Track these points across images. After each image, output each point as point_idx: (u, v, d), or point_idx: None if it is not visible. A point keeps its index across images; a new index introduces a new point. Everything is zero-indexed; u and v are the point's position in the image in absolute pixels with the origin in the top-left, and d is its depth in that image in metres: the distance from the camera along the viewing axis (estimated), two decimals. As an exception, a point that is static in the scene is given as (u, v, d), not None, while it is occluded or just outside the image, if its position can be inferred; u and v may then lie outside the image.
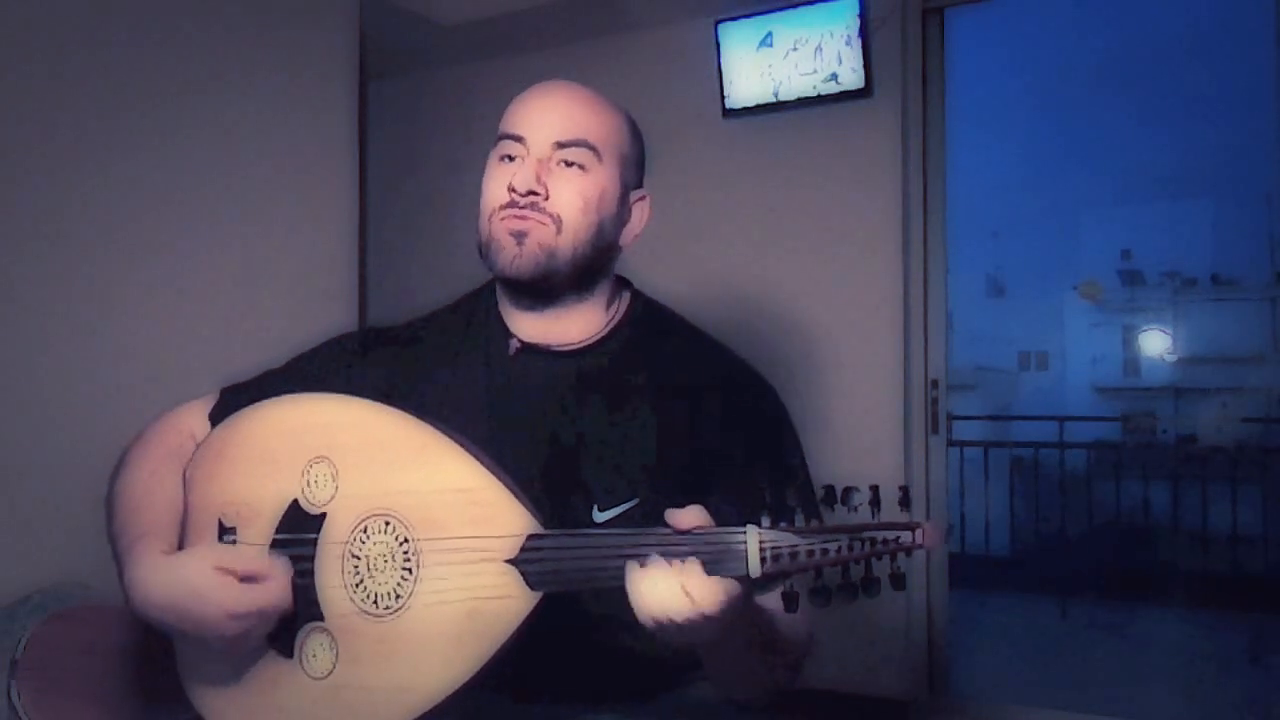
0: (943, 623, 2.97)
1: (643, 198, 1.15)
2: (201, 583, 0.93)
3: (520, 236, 1.05)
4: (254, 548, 0.99)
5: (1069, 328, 22.14)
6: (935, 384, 2.96)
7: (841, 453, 2.69)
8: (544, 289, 1.08)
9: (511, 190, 1.06)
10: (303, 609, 0.96)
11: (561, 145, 1.07)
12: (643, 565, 0.84)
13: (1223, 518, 5.04)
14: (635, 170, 1.15)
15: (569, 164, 1.07)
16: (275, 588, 0.95)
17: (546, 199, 1.06)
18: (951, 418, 3.09)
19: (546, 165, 1.06)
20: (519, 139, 1.08)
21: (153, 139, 2.32)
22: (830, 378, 2.97)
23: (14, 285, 2.07)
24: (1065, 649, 4.44)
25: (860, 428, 2.93)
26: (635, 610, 0.84)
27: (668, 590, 0.82)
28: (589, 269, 1.09)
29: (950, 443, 3.07)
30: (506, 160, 1.09)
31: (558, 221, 1.06)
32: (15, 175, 2.08)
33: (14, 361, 2.06)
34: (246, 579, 0.94)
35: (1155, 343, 21.00)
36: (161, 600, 0.95)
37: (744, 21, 3.04)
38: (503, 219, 1.06)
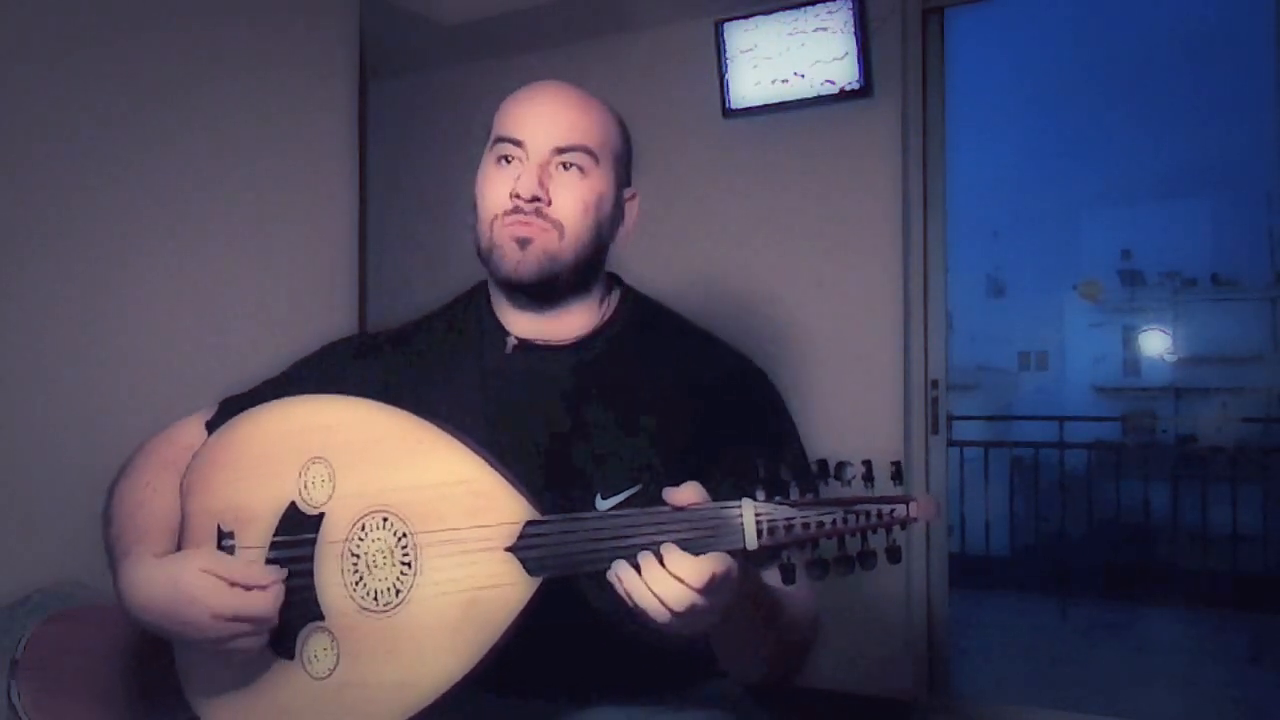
0: (943, 623, 2.97)
1: (633, 196, 1.17)
2: (190, 584, 0.94)
3: (524, 243, 1.06)
4: (247, 555, 0.99)
5: (1069, 328, 22.17)
6: (935, 384, 2.96)
7: (841, 453, 2.69)
8: (546, 292, 1.10)
9: (515, 196, 1.06)
10: (303, 609, 0.96)
11: (561, 150, 1.08)
12: (621, 574, 0.85)
13: (1223, 518, 5.04)
14: (626, 169, 1.16)
15: (567, 167, 1.08)
16: (266, 596, 0.95)
17: (549, 205, 1.06)
18: (951, 418, 3.09)
19: (546, 169, 1.07)
20: (518, 143, 1.08)
21: (152, 139, 2.32)
22: (830, 378, 2.97)
23: (14, 285, 2.07)
24: (1065, 649, 4.44)
25: (860, 428, 2.93)
26: (637, 611, 0.85)
27: (657, 583, 0.83)
28: (587, 269, 1.11)
29: (950, 443, 3.07)
30: (504, 163, 1.09)
31: (560, 228, 1.07)
32: (15, 176, 2.08)
33: (14, 362, 2.06)
34: (237, 585, 0.94)
35: (1155, 343, 21.02)
36: (151, 601, 0.96)
37: (744, 21, 3.04)
38: (507, 225, 1.07)
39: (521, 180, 1.06)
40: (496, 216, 1.08)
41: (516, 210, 1.06)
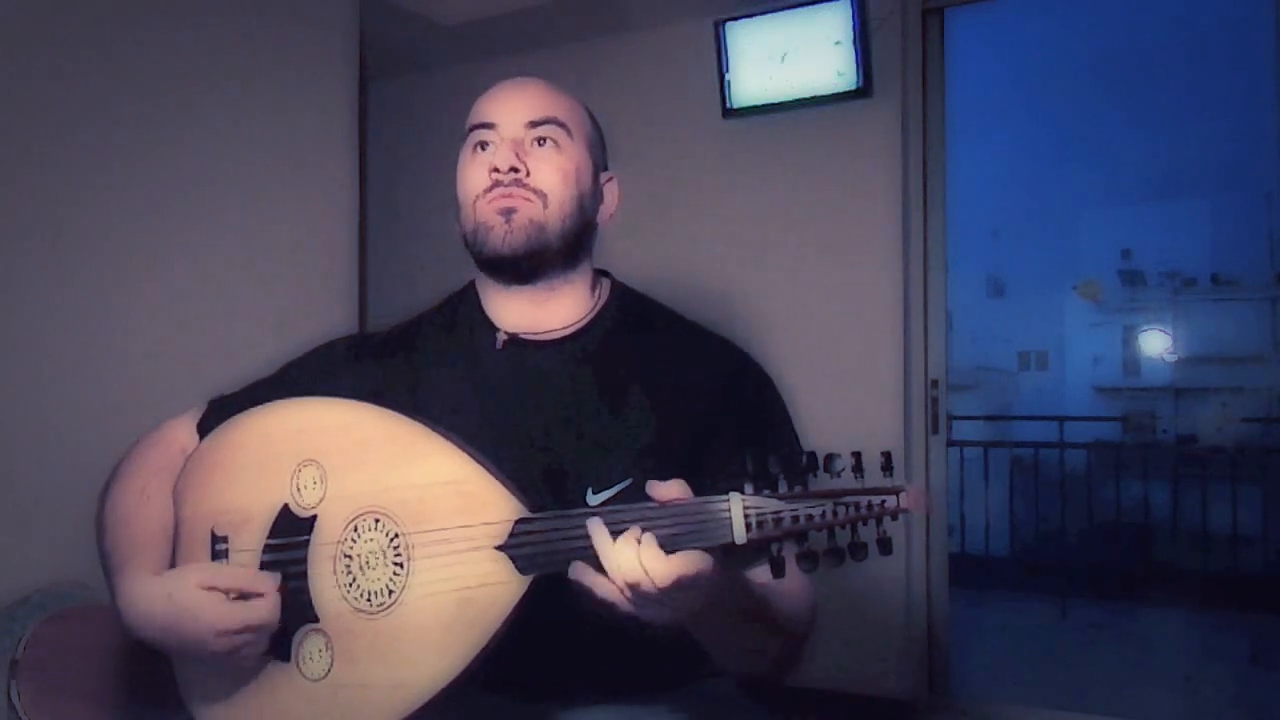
0: (943, 623, 2.97)
1: (611, 178, 1.18)
2: (189, 601, 0.94)
3: (509, 213, 1.07)
4: (241, 559, 1.00)
5: (1069, 328, 22.13)
6: (935, 384, 2.96)
7: (841, 452, 2.68)
8: (535, 264, 1.10)
9: (494, 171, 1.08)
10: (297, 612, 0.96)
11: (534, 124, 1.10)
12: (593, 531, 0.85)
13: (1223, 518, 5.04)
14: (600, 152, 1.18)
15: (542, 142, 1.10)
16: (263, 604, 0.95)
17: (528, 175, 1.08)
18: (951, 418, 3.09)
19: (522, 145, 1.09)
20: (490, 125, 1.10)
21: (151, 139, 2.32)
22: (830, 378, 2.96)
23: (14, 285, 2.07)
24: (1065, 649, 4.44)
25: (860, 428, 2.93)
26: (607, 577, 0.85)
27: (627, 560, 0.83)
28: (574, 243, 1.12)
29: (950, 443, 3.07)
30: (480, 149, 1.11)
31: (542, 196, 1.08)
32: (15, 175, 2.08)
33: (14, 361, 2.06)
34: (234, 596, 0.95)
35: (1155, 343, 20.99)
36: (151, 620, 0.96)
37: (744, 21, 3.04)
38: (489, 201, 1.08)
39: (498, 155, 1.08)
40: (478, 196, 1.09)
41: (496, 185, 1.07)
